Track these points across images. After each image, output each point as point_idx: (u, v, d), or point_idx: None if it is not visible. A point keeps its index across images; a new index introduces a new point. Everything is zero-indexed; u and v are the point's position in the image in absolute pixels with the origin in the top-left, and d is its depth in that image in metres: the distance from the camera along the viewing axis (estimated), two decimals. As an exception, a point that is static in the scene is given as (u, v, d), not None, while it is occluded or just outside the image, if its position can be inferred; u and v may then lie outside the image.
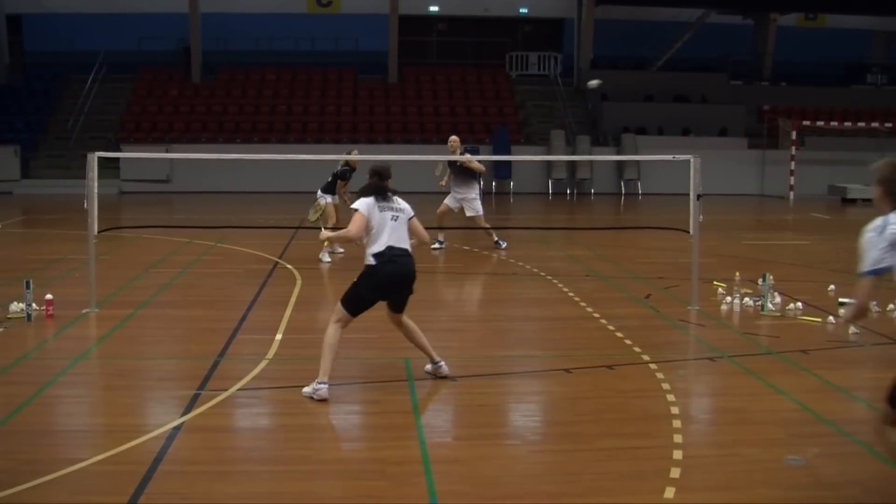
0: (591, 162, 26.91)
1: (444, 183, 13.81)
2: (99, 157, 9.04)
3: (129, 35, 30.23)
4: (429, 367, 6.69)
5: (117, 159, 24.69)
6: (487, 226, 13.87)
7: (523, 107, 30.43)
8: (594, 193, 26.67)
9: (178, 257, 12.78)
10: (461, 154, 13.63)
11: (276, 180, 24.35)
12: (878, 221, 4.25)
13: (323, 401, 6.05)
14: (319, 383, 6.12)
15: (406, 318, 6.61)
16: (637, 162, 26.67)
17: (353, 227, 6.26)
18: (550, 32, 33.83)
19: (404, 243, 6.31)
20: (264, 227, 13.58)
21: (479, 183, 14.04)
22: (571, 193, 26.69)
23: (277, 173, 23.85)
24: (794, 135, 26.06)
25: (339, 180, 12.57)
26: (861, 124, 28.29)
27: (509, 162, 26.18)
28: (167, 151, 23.67)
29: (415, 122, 29.19)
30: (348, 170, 12.60)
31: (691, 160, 9.26)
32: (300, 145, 25.93)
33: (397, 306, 6.51)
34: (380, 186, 6.38)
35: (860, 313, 4.27)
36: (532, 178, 26.73)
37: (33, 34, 31.30)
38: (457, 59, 32.84)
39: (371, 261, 6.23)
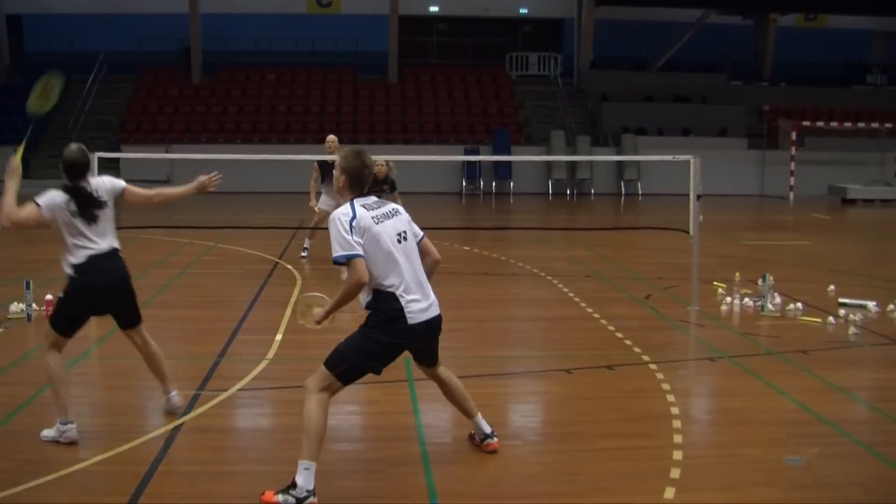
0: (591, 162, 26.92)
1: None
2: (99, 158, 9.04)
3: (129, 35, 30.24)
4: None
5: (117, 159, 24.66)
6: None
7: (523, 107, 30.44)
8: (594, 194, 26.68)
9: (178, 258, 12.78)
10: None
11: (276, 180, 24.35)
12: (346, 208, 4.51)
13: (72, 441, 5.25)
14: (62, 423, 5.24)
15: (150, 340, 5.85)
16: (637, 162, 26.68)
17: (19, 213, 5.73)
18: (550, 33, 33.84)
19: (109, 246, 5.37)
20: (264, 228, 13.58)
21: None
22: (571, 194, 26.69)
23: (277, 173, 23.84)
24: (793, 135, 26.07)
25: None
26: (861, 124, 28.31)
27: (509, 162, 26.20)
28: (167, 152, 23.70)
29: (415, 123, 29.20)
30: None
31: (691, 160, 9.27)
32: (300, 145, 25.94)
33: (121, 321, 5.68)
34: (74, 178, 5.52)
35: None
36: (532, 178, 26.73)
37: (33, 34, 31.32)
38: (457, 59, 32.85)
39: (69, 270, 5.36)
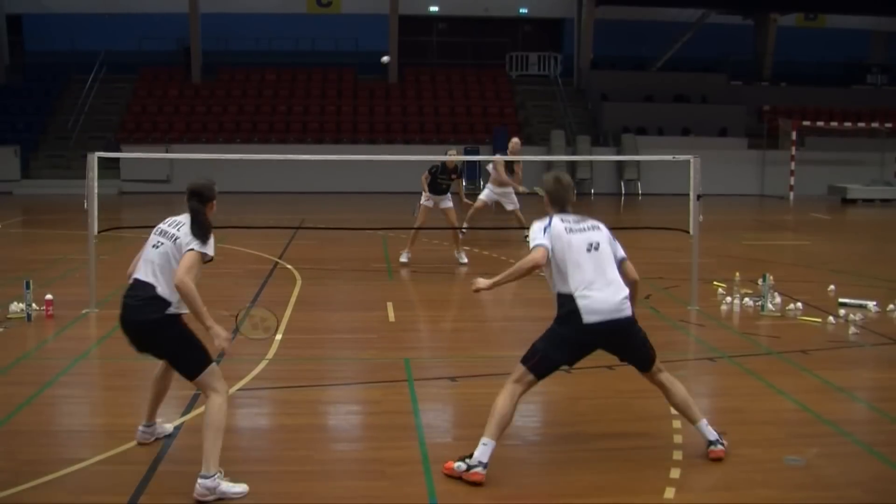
0: (591, 162, 26.91)
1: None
2: (99, 158, 9.05)
3: (129, 35, 30.22)
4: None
5: (117, 159, 24.69)
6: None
7: (523, 107, 30.43)
8: (594, 194, 26.67)
9: (178, 257, 12.76)
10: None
11: (276, 180, 24.35)
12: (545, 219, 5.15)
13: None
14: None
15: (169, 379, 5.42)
16: (637, 162, 26.67)
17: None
18: (550, 32, 33.83)
19: (148, 279, 4.98)
20: (264, 228, 13.57)
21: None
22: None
23: (277, 173, 23.84)
24: (794, 135, 26.06)
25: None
26: (861, 124, 28.29)
27: (511, 162, 26.14)
28: (167, 151, 23.69)
29: (415, 123, 29.19)
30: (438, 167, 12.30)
31: (691, 160, 9.26)
32: (300, 145, 25.95)
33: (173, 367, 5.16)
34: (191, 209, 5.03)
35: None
36: (532, 178, 26.66)
37: (33, 34, 31.30)
38: (457, 59, 32.84)
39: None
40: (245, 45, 31.15)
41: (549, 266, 5.02)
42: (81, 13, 30.41)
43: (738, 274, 9.65)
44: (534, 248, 5.02)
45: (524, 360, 4.99)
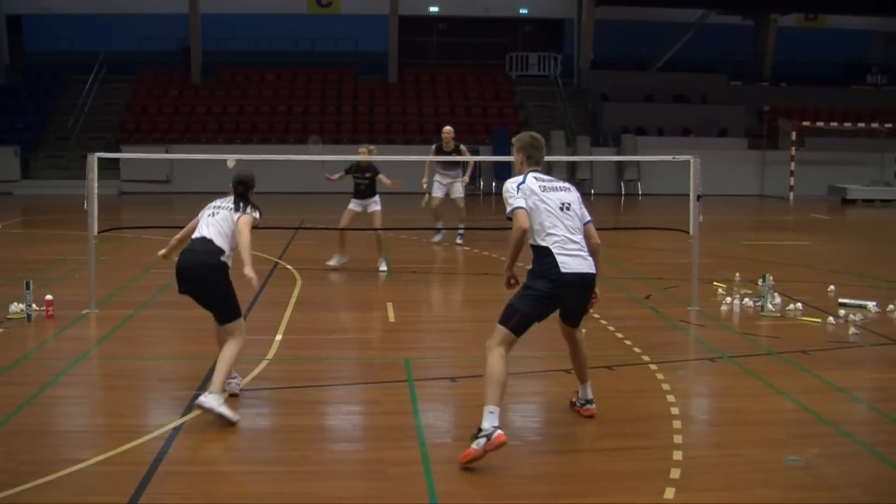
0: (590, 162, 26.91)
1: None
2: (99, 158, 9.04)
3: (129, 35, 30.23)
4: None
5: (117, 160, 24.69)
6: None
7: (523, 107, 30.43)
8: (594, 194, 26.66)
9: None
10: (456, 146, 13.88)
11: (276, 180, 24.30)
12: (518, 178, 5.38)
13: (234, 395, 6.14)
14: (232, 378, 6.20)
15: (233, 344, 5.95)
16: (637, 162, 26.67)
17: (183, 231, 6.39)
18: (550, 33, 33.83)
19: (208, 236, 5.99)
20: (264, 228, 13.52)
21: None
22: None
23: (277, 173, 23.83)
24: (794, 135, 26.06)
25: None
26: (861, 124, 28.30)
27: (509, 162, 26.14)
28: (167, 152, 23.69)
29: (415, 123, 29.19)
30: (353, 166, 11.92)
31: (691, 161, 9.26)
32: (300, 145, 25.92)
33: (209, 310, 6.14)
34: (235, 193, 6.16)
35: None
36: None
37: (33, 34, 31.31)
38: (457, 59, 32.84)
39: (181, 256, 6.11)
40: (245, 45, 31.16)
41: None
42: (81, 13, 30.41)
43: (738, 274, 9.65)
44: (512, 212, 5.25)
45: (503, 322, 5.21)
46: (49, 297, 8.59)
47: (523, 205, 5.23)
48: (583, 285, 5.33)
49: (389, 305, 9.31)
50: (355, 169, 11.87)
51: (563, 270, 5.20)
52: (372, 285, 11.08)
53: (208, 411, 5.53)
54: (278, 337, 7.92)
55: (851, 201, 25.01)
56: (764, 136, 28.32)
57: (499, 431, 4.83)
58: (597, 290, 5.51)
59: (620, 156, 25.82)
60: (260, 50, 31.32)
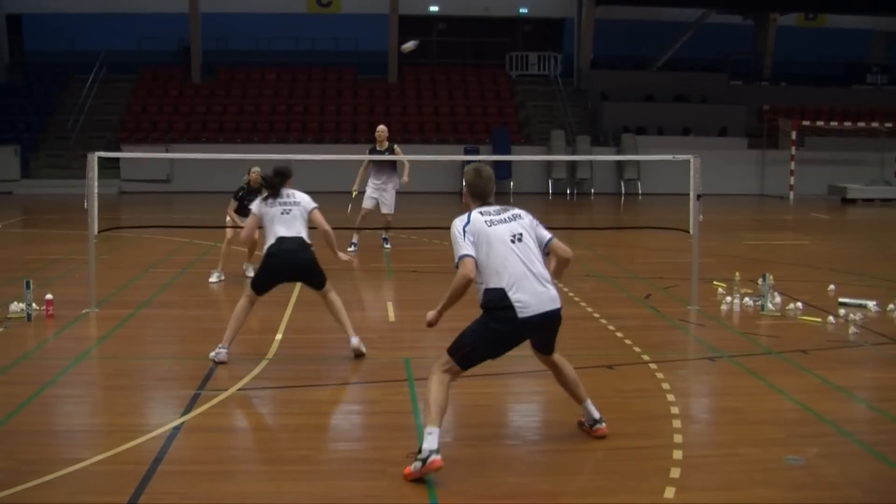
0: (590, 162, 26.91)
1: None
2: (99, 157, 9.04)
3: (129, 35, 30.22)
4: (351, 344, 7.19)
5: (117, 159, 24.69)
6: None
7: (523, 107, 30.43)
8: (594, 193, 26.68)
9: (178, 257, 12.78)
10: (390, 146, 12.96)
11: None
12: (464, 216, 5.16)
13: (222, 363, 6.89)
14: (221, 347, 6.98)
15: (334, 296, 7.23)
16: (637, 162, 26.67)
17: (245, 230, 7.44)
18: (550, 32, 33.83)
19: (297, 234, 6.98)
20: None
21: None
22: (571, 193, 26.68)
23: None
24: (794, 135, 26.07)
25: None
26: (861, 124, 28.30)
27: (509, 162, 26.18)
28: (167, 151, 23.68)
29: (415, 122, 29.19)
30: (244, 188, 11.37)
31: (691, 160, 9.27)
32: (300, 145, 25.94)
33: (310, 286, 7.24)
34: (272, 185, 7.08)
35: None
36: (532, 178, 26.71)
37: (33, 34, 31.30)
38: (457, 59, 32.82)
39: (265, 249, 7.03)
40: (245, 45, 31.15)
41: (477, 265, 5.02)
42: (81, 13, 30.40)
43: (738, 274, 9.65)
44: (459, 259, 5.03)
45: (451, 352, 5.02)
46: (49, 296, 8.59)
47: (471, 252, 4.98)
48: (546, 323, 5.08)
49: (389, 305, 9.31)
50: (248, 191, 11.15)
51: (520, 316, 4.92)
52: (372, 285, 11.09)
53: (358, 351, 7.04)
54: (278, 336, 7.92)
55: (851, 201, 25.01)
56: (764, 135, 28.32)
57: (434, 456, 4.67)
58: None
59: (620, 155, 25.79)
60: (260, 50, 31.31)
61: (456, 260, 5.07)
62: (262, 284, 7.08)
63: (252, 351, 7.44)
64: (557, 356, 5.42)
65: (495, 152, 25.75)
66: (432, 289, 11.17)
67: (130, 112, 28.52)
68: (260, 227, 7.21)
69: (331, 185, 12.91)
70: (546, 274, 5.10)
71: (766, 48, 32.37)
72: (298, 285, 10.51)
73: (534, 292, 4.96)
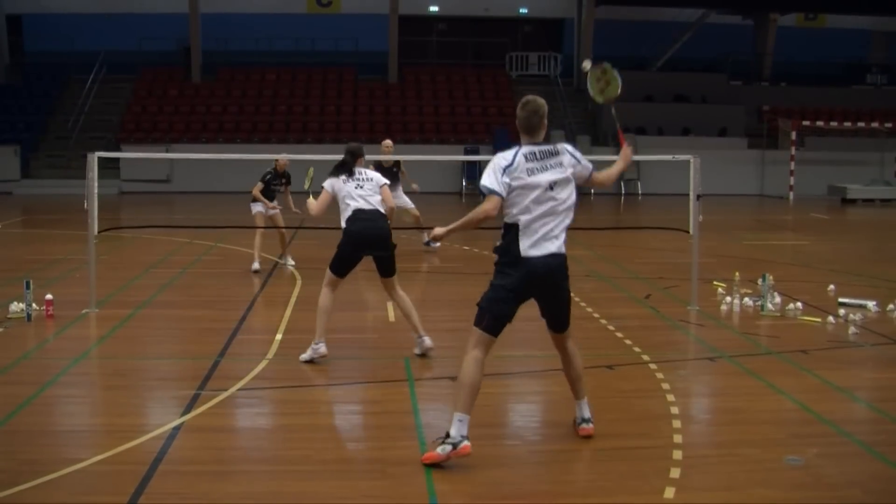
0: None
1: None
2: (99, 157, 9.04)
3: (129, 35, 30.23)
4: (417, 348, 7.23)
5: (117, 159, 24.70)
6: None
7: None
8: (594, 193, 26.66)
9: (178, 257, 12.78)
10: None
11: (276, 180, 24.32)
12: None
13: (322, 357, 6.97)
14: (315, 343, 6.99)
15: (402, 292, 7.27)
16: (637, 162, 26.67)
17: (314, 204, 7.35)
18: (550, 32, 33.83)
19: (373, 206, 7.10)
20: (264, 228, 13.54)
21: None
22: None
23: (277, 173, 23.84)
24: (793, 135, 26.07)
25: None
26: (861, 124, 28.31)
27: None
28: (167, 151, 23.69)
29: (415, 122, 29.19)
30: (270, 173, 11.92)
31: (691, 160, 9.26)
32: (300, 145, 25.94)
33: (381, 268, 7.21)
34: (344, 163, 7.28)
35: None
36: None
37: (33, 34, 31.31)
38: (457, 59, 32.84)
39: (343, 224, 7.11)
40: (245, 45, 31.15)
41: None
42: (81, 13, 30.42)
43: (738, 274, 9.65)
44: (488, 193, 5.01)
45: (476, 323, 5.04)
46: (49, 296, 8.59)
47: (501, 191, 4.96)
48: (549, 273, 5.02)
49: (389, 305, 9.31)
50: (274, 176, 11.78)
51: (523, 255, 4.95)
52: (372, 285, 11.07)
53: (427, 352, 7.11)
54: (278, 336, 7.92)
55: (851, 201, 25.02)
56: (764, 135, 28.32)
57: (466, 442, 4.75)
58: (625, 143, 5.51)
59: (620, 156, 25.79)
60: (260, 50, 31.31)
61: (484, 191, 5.01)
62: (342, 262, 7.12)
63: (252, 351, 7.44)
64: (572, 345, 5.41)
65: (495, 152, 25.56)
66: (432, 289, 11.18)
67: (130, 112, 28.53)
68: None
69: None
70: (564, 232, 5.13)
71: (766, 48, 32.38)
72: (298, 284, 10.53)
73: (540, 240, 4.99)
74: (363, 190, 7.18)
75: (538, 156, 5.11)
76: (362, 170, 7.32)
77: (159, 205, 22.40)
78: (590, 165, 5.40)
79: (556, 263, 5.06)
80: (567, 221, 5.15)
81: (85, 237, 9.13)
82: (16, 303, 8.62)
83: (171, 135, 27.23)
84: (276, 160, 12.03)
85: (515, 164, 5.03)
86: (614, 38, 31.61)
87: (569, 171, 5.20)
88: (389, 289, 7.29)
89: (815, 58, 33.15)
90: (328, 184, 7.28)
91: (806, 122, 26.89)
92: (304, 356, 7.01)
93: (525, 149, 5.11)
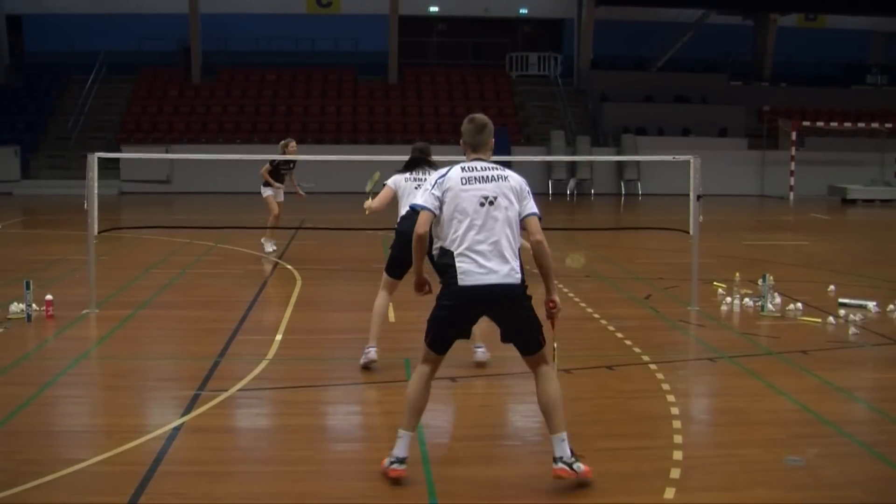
0: (591, 162, 26.92)
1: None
2: (99, 158, 9.04)
3: (129, 35, 30.25)
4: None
5: (117, 160, 24.69)
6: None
7: (523, 107, 30.44)
8: (594, 194, 26.68)
9: (178, 258, 12.78)
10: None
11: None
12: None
13: (372, 362, 6.82)
14: (367, 347, 6.87)
15: None
16: (637, 162, 26.68)
17: (377, 200, 7.24)
18: (550, 33, 33.85)
19: None
20: (264, 228, 13.57)
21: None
22: (571, 194, 26.68)
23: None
24: (794, 135, 26.08)
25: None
26: (861, 124, 28.33)
27: (509, 162, 26.17)
28: (167, 152, 23.69)
29: (415, 123, 29.19)
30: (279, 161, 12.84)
31: (691, 161, 9.26)
32: (300, 145, 25.87)
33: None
34: (413, 161, 7.19)
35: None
36: (532, 178, 26.52)
37: (33, 34, 31.32)
38: (457, 59, 32.85)
39: (397, 225, 6.99)
40: (245, 45, 31.17)
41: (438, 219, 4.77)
42: (81, 13, 30.43)
43: (738, 274, 9.65)
44: (420, 209, 4.78)
45: (425, 338, 4.78)
46: (49, 297, 8.59)
47: (430, 205, 4.70)
48: (494, 299, 4.63)
49: (389, 305, 9.30)
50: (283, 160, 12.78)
51: (461, 283, 4.57)
52: (372, 285, 11.06)
53: (482, 363, 6.85)
54: (278, 337, 7.92)
55: (851, 201, 25.02)
56: (764, 136, 28.33)
57: (396, 466, 4.58)
58: (555, 297, 4.83)
59: (620, 156, 25.82)
60: (260, 50, 31.33)
61: (416, 204, 4.86)
62: (395, 264, 6.92)
63: (252, 351, 7.44)
64: (545, 369, 4.83)
65: (495, 152, 25.21)
66: (432, 289, 11.17)
67: (130, 112, 28.53)
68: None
69: (330, 186, 12.93)
70: (511, 250, 4.67)
71: (766, 49, 32.39)
72: (298, 285, 10.54)
73: (482, 263, 4.59)
74: (420, 190, 7.02)
75: (478, 169, 4.80)
76: (427, 169, 7.15)
77: (159, 205, 22.40)
78: (530, 209, 4.82)
79: (503, 292, 4.64)
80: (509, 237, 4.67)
81: (85, 237, 9.13)
82: (16, 303, 8.62)
83: (171, 135, 27.23)
84: (287, 144, 12.75)
85: (448, 176, 4.78)
86: (614, 39, 31.63)
87: (510, 192, 4.76)
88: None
89: (815, 58, 33.17)
90: (392, 181, 7.20)
91: (806, 123, 26.90)
92: (362, 361, 6.90)
93: (464, 164, 4.85)
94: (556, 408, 4.69)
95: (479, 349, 6.86)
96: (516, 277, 4.69)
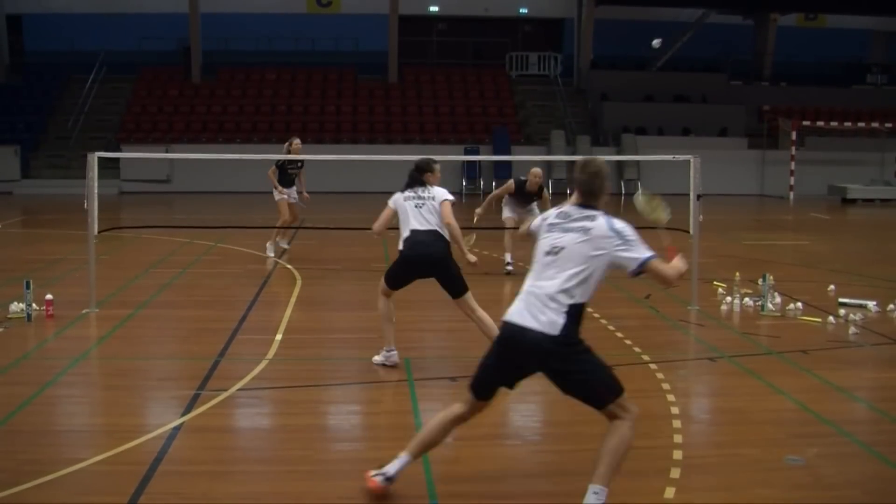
0: (590, 162, 26.89)
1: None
2: (99, 157, 9.04)
3: (129, 35, 30.25)
4: None
5: (117, 159, 24.70)
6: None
7: (523, 107, 30.44)
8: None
9: (178, 257, 12.78)
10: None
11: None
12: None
13: (394, 364, 6.95)
14: (387, 350, 7.02)
15: (481, 313, 6.94)
16: (637, 162, 26.68)
17: (378, 220, 7.25)
18: (550, 32, 33.84)
19: (430, 226, 6.92)
20: (264, 228, 13.57)
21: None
22: (571, 193, 26.64)
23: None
24: (794, 135, 26.08)
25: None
26: (861, 124, 28.32)
27: (509, 162, 26.19)
28: (167, 151, 23.69)
29: (415, 122, 29.20)
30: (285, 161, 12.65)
31: (691, 160, 9.27)
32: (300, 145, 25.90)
33: (445, 289, 6.99)
34: (411, 179, 7.14)
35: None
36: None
37: (33, 34, 31.32)
38: (457, 59, 32.85)
39: (399, 244, 6.99)
40: (245, 45, 31.17)
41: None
42: (81, 13, 30.43)
43: (738, 274, 9.65)
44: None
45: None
46: (49, 296, 8.59)
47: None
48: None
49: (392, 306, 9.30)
50: (290, 160, 12.55)
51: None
52: (372, 285, 11.06)
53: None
54: (278, 337, 7.92)
55: (851, 201, 25.02)
56: (764, 135, 28.33)
57: (379, 480, 4.52)
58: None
59: (620, 155, 25.81)
60: (260, 50, 31.33)
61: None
62: (395, 278, 6.99)
63: (252, 351, 7.45)
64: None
65: (495, 152, 25.77)
66: (433, 289, 11.16)
67: (130, 112, 28.53)
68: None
69: (332, 186, 12.93)
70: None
71: (766, 48, 32.39)
72: (298, 285, 10.54)
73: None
74: (422, 209, 6.93)
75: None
76: (428, 187, 7.05)
77: (159, 205, 22.40)
78: (639, 256, 4.68)
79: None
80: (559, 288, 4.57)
81: (85, 237, 9.13)
82: (16, 303, 8.62)
83: (171, 135, 27.23)
84: (291, 142, 12.55)
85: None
86: (614, 38, 31.63)
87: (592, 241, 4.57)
88: (464, 309, 6.93)
89: (815, 58, 33.16)
90: (392, 200, 7.09)
91: (806, 122, 26.90)
92: (377, 359, 7.01)
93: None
94: (602, 458, 4.34)
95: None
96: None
